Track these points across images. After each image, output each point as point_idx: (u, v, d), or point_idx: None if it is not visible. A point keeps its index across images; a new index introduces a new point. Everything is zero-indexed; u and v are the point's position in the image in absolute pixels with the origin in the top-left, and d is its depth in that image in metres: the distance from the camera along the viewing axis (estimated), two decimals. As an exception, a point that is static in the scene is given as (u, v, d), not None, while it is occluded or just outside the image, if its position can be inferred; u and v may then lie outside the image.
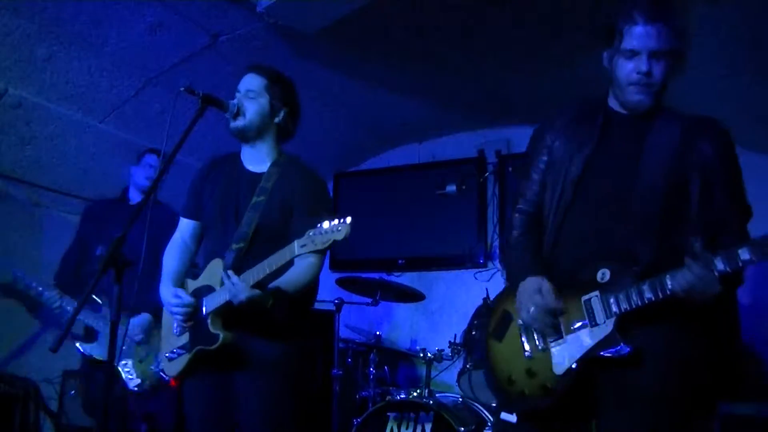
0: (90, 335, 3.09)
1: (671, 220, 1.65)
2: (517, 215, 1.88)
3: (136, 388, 2.99)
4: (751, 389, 3.42)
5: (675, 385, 1.62)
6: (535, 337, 1.76)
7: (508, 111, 4.08)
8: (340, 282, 3.79)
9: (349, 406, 3.63)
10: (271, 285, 1.99)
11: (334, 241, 1.78)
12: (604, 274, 1.64)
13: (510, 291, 1.87)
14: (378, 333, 3.71)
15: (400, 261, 4.59)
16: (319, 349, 3.97)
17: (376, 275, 3.90)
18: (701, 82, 3.28)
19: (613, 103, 1.81)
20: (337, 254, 4.87)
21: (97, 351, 3.02)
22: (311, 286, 2.15)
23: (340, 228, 1.77)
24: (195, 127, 2.00)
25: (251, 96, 2.16)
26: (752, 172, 3.63)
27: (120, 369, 2.87)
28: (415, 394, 3.26)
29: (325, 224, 1.78)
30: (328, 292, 4.35)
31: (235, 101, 2.14)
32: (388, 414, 3.17)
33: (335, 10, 2.88)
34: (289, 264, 2.04)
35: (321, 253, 2.08)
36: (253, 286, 1.92)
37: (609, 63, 1.76)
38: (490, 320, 1.92)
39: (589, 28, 3.10)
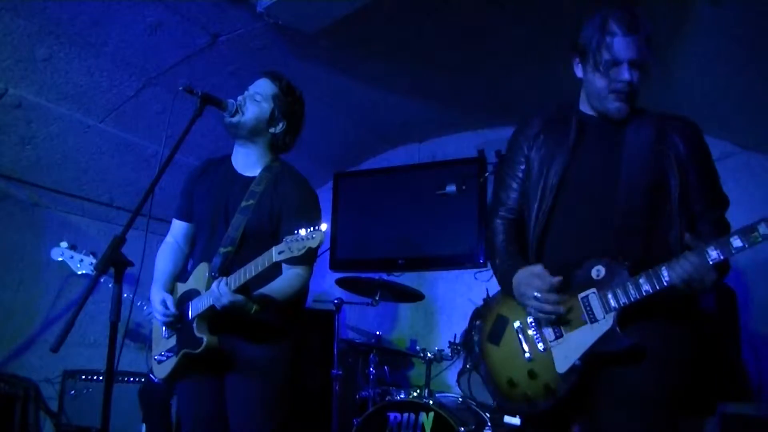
0: None
1: (655, 214, 1.70)
2: (499, 221, 1.90)
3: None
4: (751, 389, 3.42)
5: (672, 383, 1.63)
6: (535, 338, 1.76)
7: (508, 111, 4.08)
8: (340, 282, 3.79)
9: (349, 406, 3.63)
10: (257, 292, 2.00)
11: (310, 248, 1.77)
12: (599, 271, 1.66)
13: (502, 295, 1.89)
14: (378, 333, 3.70)
15: (400, 261, 4.59)
16: (319, 349, 3.98)
17: (376, 275, 3.90)
18: (701, 82, 3.29)
19: (585, 108, 1.86)
20: (337, 254, 4.87)
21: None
22: (299, 296, 2.15)
23: (314, 235, 1.77)
24: (194, 127, 2.00)
25: (257, 99, 2.16)
26: (752, 172, 3.69)
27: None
28: (415, 394, 3.26)
29: (302, 231, 1.79)
30: (328, 292, 4.38)
31: (236, 101, 2.14)
32: (388, 414, 3.17)
33: (335, 10, 2.88)
34: (278, 272, 2.06)
35: (308, 263, 2.10)
36: (237, 291, 1.92)
37: (583, 73, 1.81)
38: (484, 325, 1.92)
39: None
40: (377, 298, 3.66)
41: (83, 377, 3.77)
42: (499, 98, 3.99)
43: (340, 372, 3.44)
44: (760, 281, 3.60)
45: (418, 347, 3.77)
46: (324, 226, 1.78)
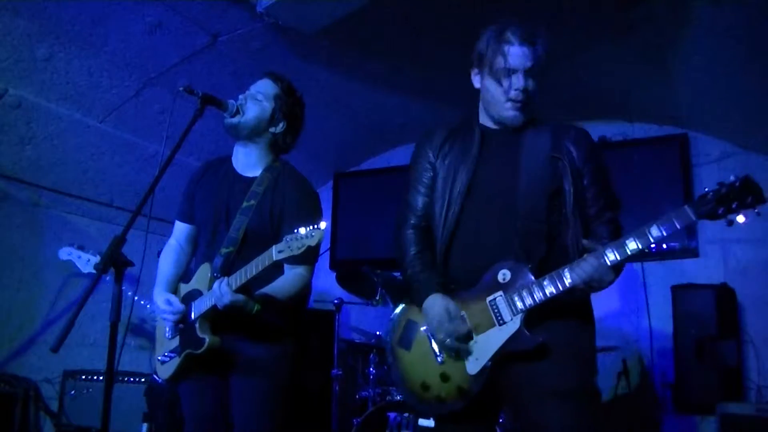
0: None
1: (555, 219, 1.76)
2: (410, 231, 1.93)
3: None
4: (751, 389, 3.43)
5: (579, 373, 1.70)
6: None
7: (508, 111, 4.08)
8: (340, 282, 3.79)
9: (349, 406, 3.63)
10: (258, 292, 2.00)
11: (309, 247, 1.78)
12: (504, 275, 1.72)
13: (412, 303, 1.92)
14: (378, 333, 3.70)
15: (400, 261, 4.58)
16: (319, 349, 3.98)
17: (376, 275, 3.89)
18: (701, 81, 3.29)
19: (484, 120, 1.93)
20: (337, 254, 4.87)
21: None
22: (301, 295, 2.15)
23: (313, 234, 1.77)
24: (194, 127, 2.00)
25: (258, 98, 2.17)
26: (752, 172, 3.67)
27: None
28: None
29: (302, 230, 1.79)
30: (328, 292, 4.38)
31: (236, 101, 2.14)
32: (388, 414, 3.17)
33: (335, 10, 2.88)
34: (280, 273, 2.07)
35: (309, 263, 2.11)
36: (238, 291, 1.93)
37: (480, 82, 1.88)
38: (394, 331, 1.96)
39: (589, 28, 3.11)
40: (377, 298, 3.66)
41: (83, 377, 3.77)
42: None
43: (340, 372, 3.44)
44: (760, 281, 3.60)
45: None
46: (323, 225, 1.79)
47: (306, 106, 2.32)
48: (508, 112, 1.81)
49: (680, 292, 3.54)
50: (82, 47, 3.14)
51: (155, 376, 2.25)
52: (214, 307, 1.97)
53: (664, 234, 1.56)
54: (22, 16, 2.89)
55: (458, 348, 1.73)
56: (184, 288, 2.18)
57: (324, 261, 4.81)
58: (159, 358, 2.17)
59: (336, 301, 3.61)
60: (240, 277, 1.93)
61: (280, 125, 2.20)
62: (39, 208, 3.87)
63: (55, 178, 3.80)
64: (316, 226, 1.78)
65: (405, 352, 1.90)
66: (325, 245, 4.61)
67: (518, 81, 1.77)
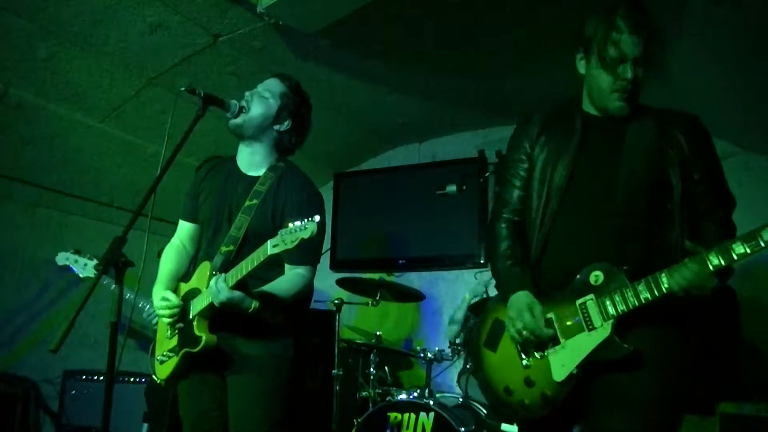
0: None
1: (656, 215, 1.66)
2: (503, 225, 1.86)
3: None
4: (751, 389, 3.42)
5: (670, 386, 1.61)
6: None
7: (508, 111, 4.08)
8: (341, 282, 3.79)
9: (349, 406, 3.62)
10: (257, 290, 1.99)
11: (302, 239, 1.75)
12: (597, 277, 1.64)
13: (500, 300, 1.85)
14: (378, 333, 3.70)
15: (400, 261, 4.59)
16: (319, 349, 3.98)
17: (376, 275, 3.90)
18: (701, 82, 3.29)
19: (587, 106, 1.82)
20: (337, 254, 4.87)
21: None
22: (302, 296, 2.14)
23: (306, 226, 1.75)
24: (195, 128, 2.00)
25: (264, 95, 2.17)
26: (752, 172, 3.68)
27: None
28: (415, 394, 3.26)
29: (296, 223, 1.77)
30: (328, 292, 4.38)
31: (238, 101, 2.14)
32: (389, 414, 3.17)
33: (335, 10, 2.88)
34: (281, 273, 2.07)
35: (309, 263, 2.11)
36: (234, 288, 1.92)
37: (585, 69, 1.77)
38: (481, 330, 1.90)
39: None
40: (377, 298, 3.66)
41: (83, 377, 3.77)
42: (499, 98, 3.99)
43: (340, 372, 3.44)
44: (760, 280, 3.60)
45: (418, 347, 3.77)
46: (317, 218, 1.76)
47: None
48: (615, 102, 1.71)
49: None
50: (83, 47, 3.14)
51: (153, 377, 2.24)
52: (211, 305, 1.96)
53: None
54: (22, 16, 2.89)
55: (528, 341, 1.65)
56: (184, 287, 2.18)
57: (324, 261, 4.81)
58: (158, 358, 2.17)
59: (336, 301, 3.61)
60: (236, 273, 1.92)
61: (286, 123, 2.21)
62: (39, 208, 3.87)
63: (55, 178, 3.80)
64: (309, 219, 1.75)
65: (490, 353, 1.83)
66: (325, 245, 4.62)
67: (627, 71, 1.66)
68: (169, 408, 3.11)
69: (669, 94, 3.52)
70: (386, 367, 3.66)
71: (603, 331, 1.59)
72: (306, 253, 1.98)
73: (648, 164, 1.68)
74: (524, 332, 1.68)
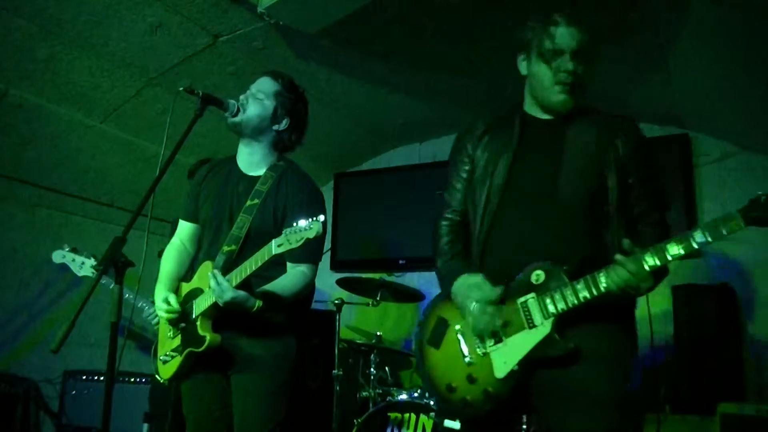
0: None
1: (595, 217, 1.69)
2: (443, 223, 1.89)
3: None
4: (751, 389, 3.42)
5: (615, 381, 1.63)
6: (475, 342, 1.75)
7: (508, 111, 4.08)
8: (341, 282, 3.79)
9: (349, 407, 3.62)
10: (260, 289, 2.00)
11: (307, 239, 1.76)
12: (538, 276, 1.66)
13: (443, 298, 1.87)
14: (378, 333, 3.70)
15: (400, 261, 4.59)
16: (319, 349, 3.98)
17: (376, 275, 3.90)
18: (701, 82, 3.29)
19: (530, 108, 1.85)
20: (337, 254, 4.87)
21: None
22: (304, 294, 2.14)
23: (311, 226, 1.75)
24: (194, 128, 2.00)
25: (259, 97, 2.17)
26: (752, 172, 3.69)
27: None
28: (415, 394, 3.26)
29: (301, 222, 1.78)
30: (328, 292, 4.38)
31: (236, 101, 2.14)
32: (389, 414, 3.17)
33: (335, 10, 2.88)
34: (283, 272, 2.07)
35: (311, 261, 2.12)
36: (238, 287, 1.92)
37: (527, 68, 1.80)
38: (425, 327, 1.90)
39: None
40: (378, 298, 3.66)
41: (83, 377, 3.77)
42: (499, 98, 3.98)
43: (341, 372, 3.44)
44: (760, 280, 3.60)
45: (418, 347, 3.77)
46: (322, 217, 1.76)
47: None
48: (558, 95, 1.73)
49: (681, 292, 3.54)
50: (83, 47, 3.15)
51: (157, 377, 2.24)
52: (215, 305, 1.96)
53: (709, 240, 1.47)
54: (22, 16, 2.89)
55: (490, 316, 1.66)
56: (186, 287, 2.18)
57: (325, 261, 4.80)
58: (161, 358, 2.18)
59: (336, 301, 3.61)
60: (240, 273, 1.92)
61: (284, 122, 2.21)
62: (39, 208, 3.87)
63: (55, 178, 3.80)
64: (314, 219, 1.76)
65: (433, 351, 1.85)
66: (326, 246, 4.62)
67: (566, 62, 1.69)
68: (172, 408, 3.11)
69: (669, 94, 3.52)
70: (386, 367, 3.65)
71: (543, 329, 1.63)
72: (309, 251, 1.98)
73: (586, 166, 1.70)
74: (481, 305, 1.68)
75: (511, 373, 1.65)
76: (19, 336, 3.71)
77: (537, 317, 1.64)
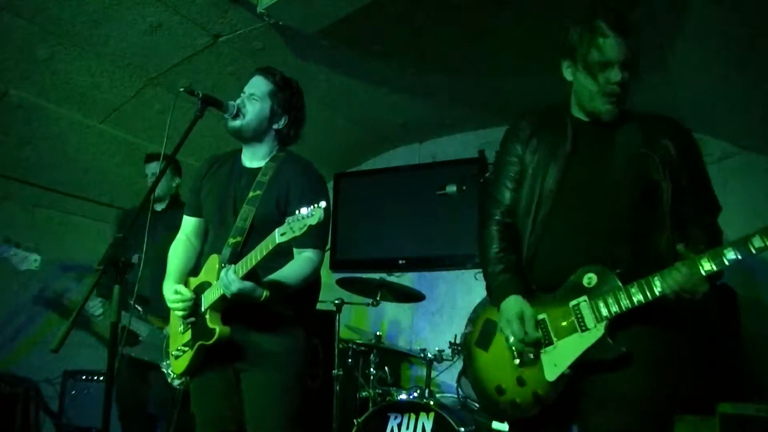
0: (132, 339, 3.10)
1: (645, 220, 1.68)
2: (494, 228, 1.87)
3: (180, 386, 3.02)
4: (752, 389, 3.42)
5: (662, 385, 1.63)
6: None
7: (508, 111, 4.08)
8: (341, 282, 3.79)
9: (349, 407, 3.62)
10: (267, 278, 1.99)
11: (310, 226, 1.75)
12: (590, 279, 1.66)
13: (491, 303, 1.87)
14: (378, 333, 3.70)
15: (400, 261, 4.59)
16: (319, 349, 3.97)
17: (376, 275, 3.90)
18: (701, 82, 3.29)
19: (576, 112, 1.84)
20: (337, 254, 4.87)
21: (139, 352, 3.08)
22: (311, 281, 2.14)
23: (313, 213, 1.74)
24: (195, 127, 2.00)
25: (254, 98, 2.17)
26: (752, 172, 3.68)
27: (164, 369, 2.88)
28: (415, 394, 3.26)
29: (303, 210, 1.77)
30: (328, 292, 4.38)
31: (236, 102, 2.14)
32: (389, 414, 3.17)
33: (335, 10, 2.88)
34: (288, 259, 2.07)
35: (318, 246, 2.12)
36: (244, 278, 1.91)
37: (572, 75, 1.79)
38: (473, 330, 1.91)
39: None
40: (377, 299, 3.66)
41: (83, 377, 3.77)
42: (499, 98, 3.99)
43: (341, 372, 3.44)
44: (760, 281, 3.60)
45: (418, 347, 3.77)
46: (323, 203, 1.75)
47: (306, 107, 2.32)
48: (604, 105, 1.72)
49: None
50: (83, 48, 3.14)
51: (170, 372, 2.24)
52: (223, 297, 1.96)
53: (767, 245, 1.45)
54: (22, 16, 2.89)
55: (524, 351, 1.69)
56: (194, 281, 2.19)
57: (325, 261, 4.81)
58: (173, 353, 2.19)
59: (336, 301, 3.61)
60: (246, 263, 1.91)
61: (282, 120, 2.22)
62: (39, 208, 3.87)
63: (55, 178, 3.80)
64: (316, 205, 1.75)
65: (482, 353, 1.86)
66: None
67: (615, 74, 1.67)
68: (179, 406, 3.12)
69: (670, 94, 3.52)
70: (386, 367, 3.66)
71: (596, 332, 1.62)
72: (314, 236, 1.96)
73: (636, 169, 1.70)
74: (512, 339, 1.71)
75: (562, 377, 1.65)
76: (19, 336, 3.71)
77: (589, 320, 1.64)
